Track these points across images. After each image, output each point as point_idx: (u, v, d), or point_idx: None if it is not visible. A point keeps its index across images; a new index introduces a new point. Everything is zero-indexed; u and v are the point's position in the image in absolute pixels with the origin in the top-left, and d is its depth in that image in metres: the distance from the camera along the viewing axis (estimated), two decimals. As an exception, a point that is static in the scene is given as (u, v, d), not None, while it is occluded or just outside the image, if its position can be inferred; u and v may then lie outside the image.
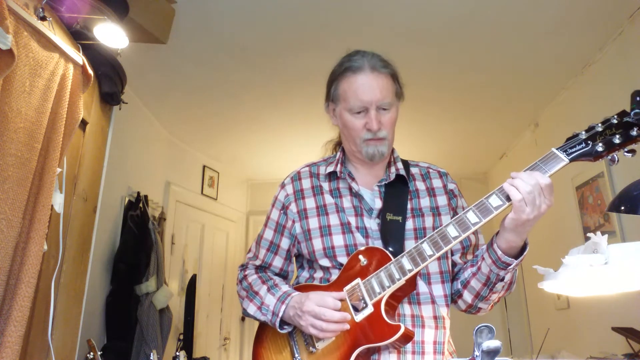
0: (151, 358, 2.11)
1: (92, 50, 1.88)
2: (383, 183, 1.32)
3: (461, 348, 1.39)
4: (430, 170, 1.40)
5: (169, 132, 3.94)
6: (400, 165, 1.36)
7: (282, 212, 1.38)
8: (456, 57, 2.85)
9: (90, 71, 1.77)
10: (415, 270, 1.11)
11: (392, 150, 1.39)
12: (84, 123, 1.86)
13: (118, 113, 2.18)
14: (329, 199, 1.33)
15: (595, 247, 1.13)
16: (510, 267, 1.11)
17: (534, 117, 3.57)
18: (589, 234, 1.16)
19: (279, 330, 1.24)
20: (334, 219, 1.29)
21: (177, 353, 2.20)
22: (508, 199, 1.05)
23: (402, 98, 1.36)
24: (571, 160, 1.04)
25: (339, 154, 1.40)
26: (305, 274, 1.35)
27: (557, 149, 1.06)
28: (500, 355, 0.83)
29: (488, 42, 2.69)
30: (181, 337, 3.40)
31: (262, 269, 1.42)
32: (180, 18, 2.42)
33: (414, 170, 1.39)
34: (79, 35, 1.82)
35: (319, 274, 1.30)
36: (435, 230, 1.12)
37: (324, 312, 1.13)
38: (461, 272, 1.28)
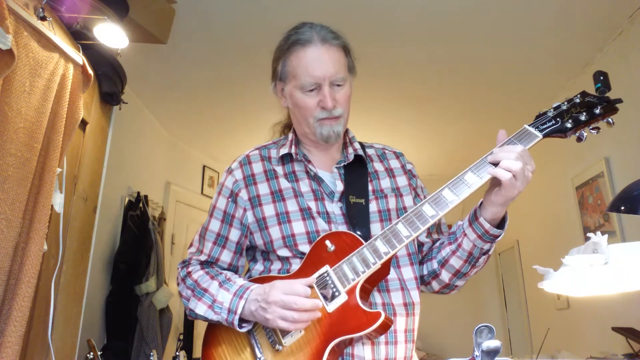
0: (151, 358, 2.11)
1: (92, 50, 1.88)
2: (342, 165, 1.23)
3: (456, 348, 1.39)
4: (386, 151, 1.35)
5: (169, 132, 3.94)
6: (357, 145, 1.29)
7: (230, 200, 1.23)
8: (456, 58, 2.85)
9: (90, 71, 1.77)
10: (392, 253, 1.04)
11: (347, 131, 1.31)
12: (84, 123, 1.86)
13: (118, 113, 2.18)
14: (284, 184, 1.21)
15: (595, 247, 1.13)
16: (497, 239, 1.11)
17: (534, 117, 3.57)
18: (589, 234, 1.16)
19: (237, 329, 1.10)
20: (291, 205, 1.18)
21: (177, 353, 2.20)
22: (485, 176, 1.05)
23: (355, 73, 1.26)
24: (544, 136, 1.08)
25: (290, 135, 1.29)
26: (259, 267, 1.23)
27: (529, 126, 1.10)
28: (500, 355, 0.82)
29: (488, 42, 2.69)
30: (181, 337, 3.39)
31: (208, 264, 1.27)
32: (180, 18, 2.42)
33: (369, 151, 1.32)
34: (79, 35, 1.82)
35: (276, 266, 1.18)
36: (410, 210, 1.06)
37: (294, 300, 1.00)
38: (436, 251, 1.22)
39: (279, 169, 1.24)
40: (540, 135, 1.08)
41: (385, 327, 1.02)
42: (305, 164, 1.23)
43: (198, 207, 4.28)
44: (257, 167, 1.25)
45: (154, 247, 3.03)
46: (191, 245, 1.31)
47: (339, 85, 1.17)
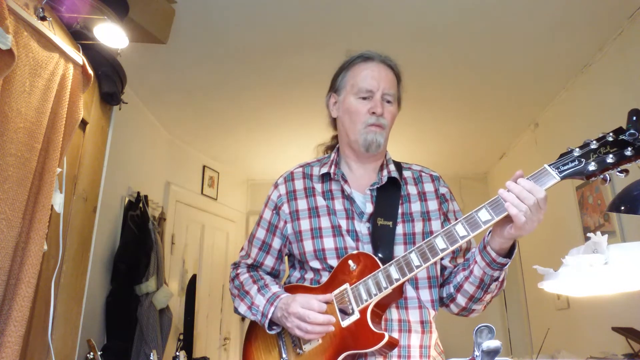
0: (151, 358, 2.11)
1: (92, 50, 1.88)
2: (375, 187, 1.32)
3: (456, 348, 1.39)
4: (423, 174, 1.40)
5: (169, 132, 3.94)
6: (392, 167, 1.36)
7: (274, 212, 1.38)
8: (456, 58, 2.85)
9: (90, 71, 1.77)
10: (402, 280, 1.12)
11: (385, 153, 1.40)
12: (84, 123, 1.86)
13: (118, 113, 2.18)
14: (320, 201, 1.33)
15: (595, 247, 1.13)
16: (505, 267, 1.13)
17: (534, 117, 3.57)
18: (589, 234, 1.16)
19: (267, 331, 1.26)
20: (325, 222, 1.29)
21: (177, 353, 2.20)
22: (498, 214, 1.04)
23: (400, 106, 1.39)
24: (562, 178, 1.02)
25: (333, 154, 1.40)
26: (296, 274, 1.36)
27: (549, 166, 1.03)
28: (500, 355, 0.83)
29: (488, 42, 2.69)
30: (181, 337, 3.40)
31: (254, 267, 1.43)
32: (180, 18, 2.42)
33: (406, 173, 1.39)
34: (79, 35, 1.82)
35: (309, 275, 1.31)
36: (424, 241, 1.12)
37: (308, 314, 1.14)
38: (453, 276, 1.28)
39: (318, 187, 1.36)
40: (558, 178, 1.01)
41: (391, 345, 1.13)
42: (341, 184, 1.34)
43: (198, 207, 4.28)
44: (299, 184, 1.38)
45: (154, 247, 3.03)
46: (242, 249, 1.48)
47: (388, 101, 1.31)
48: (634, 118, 0.96)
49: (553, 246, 3.37)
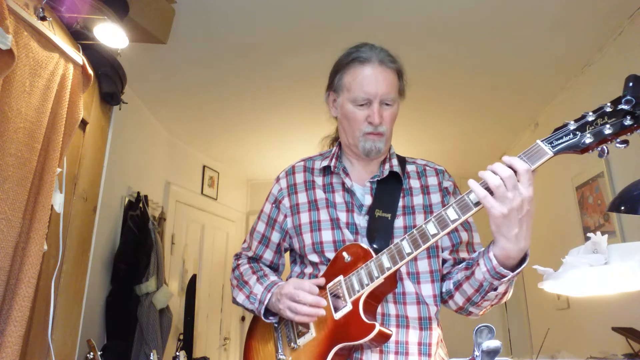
0: (151, 358, 2.11)
1: (92, 50, 1.88)
2: (375, 179, 1.30)
3: (459, 348, 1.39)
4: (427, 168, 1.37)
5: (169, 132, 3.94)
6: (395, 162, 1.33)
7: (274, 206, 1.39)
8: (456, 58, 2.85)
9: (90, 71, 1.77)
10: (394, 269, 1.08)
11: (389, 146, 1.38)
12: (84, 123, 1.86)
13: (118, 113, 2.18)
14: (320, 194, 1.32)
15: (595, 247, 1.13)
16: (504, 279, 1.03)
17: (534, 117, 3.57)
18: (589, 234, 1.16)
19: (263, 319, 1.26)
20: (324, 215, 1.28)
21: (177, 353, 2.20)
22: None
23: (404, 96, 1.35)
24: (556, 153, 0.94)
25: (335, 148, 1.39)
26: (297, 269, 1.36)
27: (542, 141, 0.97)
28: (500, 355, 0.83)
29: (488, 42, 2.69)
30: (181, 337, 3.40)
31: (254, 259, 1.44)
32: (180, 18, 2.42)
33: (410, 167, 1.36)
34: (79, 35, 1.82)
35: (309, 270, 1.30)
36: (416, 228, 1.07)
37: (298, 293, 1.14)
38: (455, 272, 1.23)
39: (319, 180, 1.35)
40: (550, 152, 0.94)
41: (383, 337, 1.10)
42: (342, 177, 1.32)
43: (198, 207, 4.28)
44: (299, 178, 1.38)
45: (154, 247, 3.03)
46: (244, 241, 1.50)
47: (387, 104, 1.27)
48: (631, 84, 0.90)
49: (553, 246, 3.37)
